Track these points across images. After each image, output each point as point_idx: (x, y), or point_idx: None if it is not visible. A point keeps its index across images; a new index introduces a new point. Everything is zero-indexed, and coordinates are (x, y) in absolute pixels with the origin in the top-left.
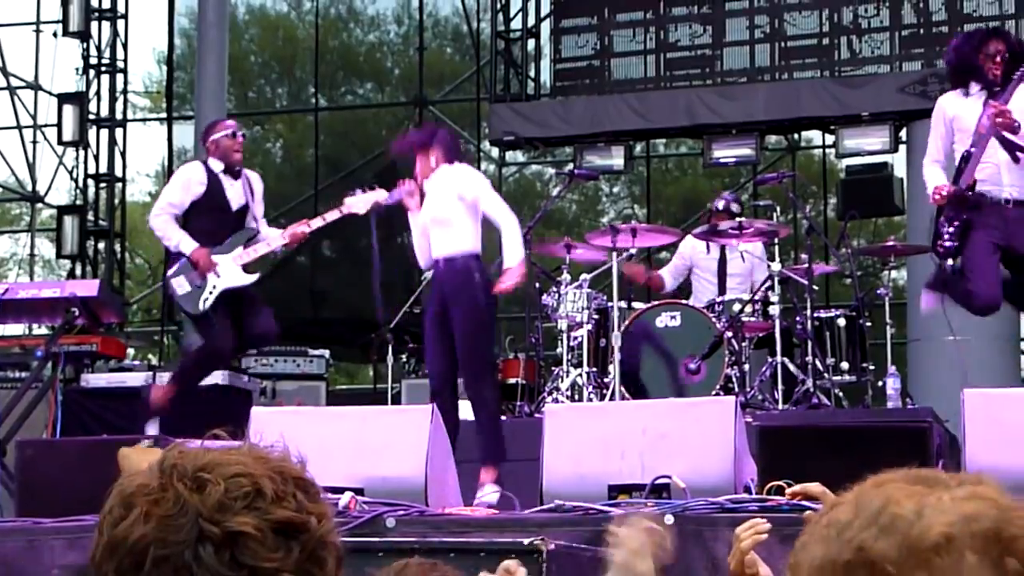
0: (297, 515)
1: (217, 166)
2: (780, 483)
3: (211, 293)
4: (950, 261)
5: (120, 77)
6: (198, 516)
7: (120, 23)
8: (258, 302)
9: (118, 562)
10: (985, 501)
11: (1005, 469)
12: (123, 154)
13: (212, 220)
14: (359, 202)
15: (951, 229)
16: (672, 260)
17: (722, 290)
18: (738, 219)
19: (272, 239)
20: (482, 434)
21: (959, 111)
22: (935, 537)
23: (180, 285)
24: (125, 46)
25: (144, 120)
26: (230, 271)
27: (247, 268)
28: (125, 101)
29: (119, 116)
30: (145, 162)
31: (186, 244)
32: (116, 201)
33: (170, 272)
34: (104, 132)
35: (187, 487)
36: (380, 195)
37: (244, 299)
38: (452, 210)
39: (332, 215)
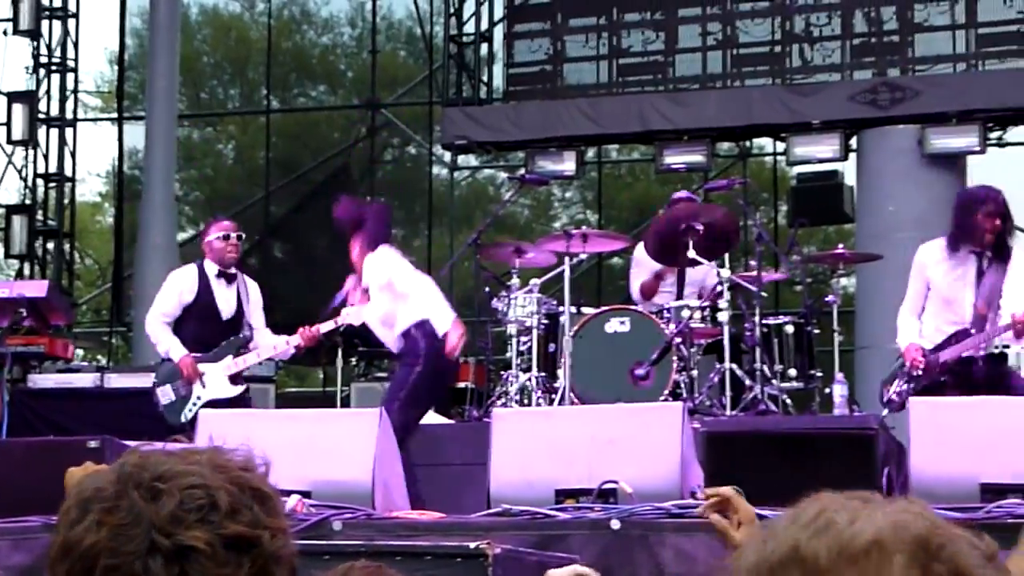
0: (250, 530)
1: (211, 269)
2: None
3: (195, 404)
4: (885, 412)
5: (71, 76)
6: (151, 527)
7: (71, 22)
8: None
9: (70, 565)
10: (915, 514)
11: (950, 476)
12: (73, 154)
13: (202, 327)
14: (356, 314)
15: (905, 387)
16: (634, 269)
17: (679, 295)
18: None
19: (264, 347)
20: None
21: (942, 270)
22: (866, 540)
23: (165, 394)
24: (76, 45)
25: (95, 120)
26: (216, 381)
27: (234, 379)
28: (76, 100)
29: (69, 116)
30: (95, 162)
31: (175, 351)
32: (66, 201)
33: (156, 379)
34: (54, 131)
35: (142, 496)
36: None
37: None
38: (382, 302)
39: (328, 326)
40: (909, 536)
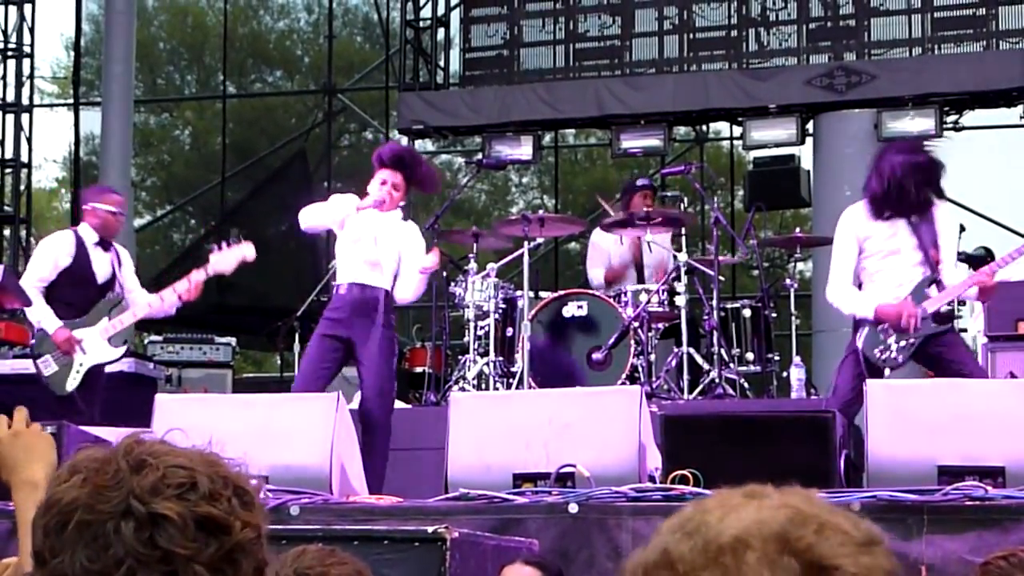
0: (223, 516)
1: (90, 236)
2: (684, 472)
3: (78, 372)
4: (888, 372)
5: (27, 62)
6: (130, 493)
7: (27, 7)
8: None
9: (47, 520)
10: (784, 509)
11: (906, 458)
12: (29, 140)
13: (76, 292)
14: (223, 259)
15: (903, 344)
16: (591, 252)
17: (641, 279)
18: (645, 209)
19: (139, 306)
20: None
21: (873, 231)
22: (727, 538)
23: (47, 364)
24: (32, 31)
25: (51, 106)
26: (96, 346)
27: (112, 340)
28: (31, 86)
29: (25, 101)
30: (51, 148)
31: (49, 322)
32: (22, 187)
33: (33, 348)
34: (10, 117)
35: (128, 465)
36: (247, 251)
37: (117, 376)
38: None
39: (198, 275)
40: (768, 531)
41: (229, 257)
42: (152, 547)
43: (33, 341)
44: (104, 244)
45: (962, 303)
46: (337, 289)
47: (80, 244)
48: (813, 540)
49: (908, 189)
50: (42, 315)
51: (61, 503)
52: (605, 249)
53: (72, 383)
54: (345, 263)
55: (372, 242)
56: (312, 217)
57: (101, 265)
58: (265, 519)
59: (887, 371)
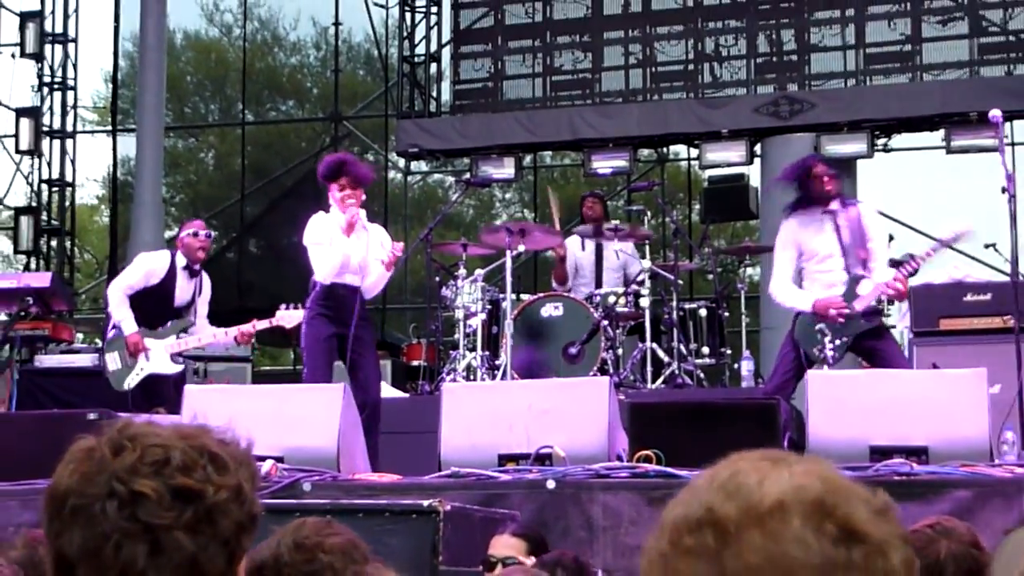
0: (196, 484)
1: (181, 261)
2: (648, 453)
3: (137, 375)
4: (825, 368)
5: (71, 94)
6: (112, 476)
7: (71, 46)
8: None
9: (48, 506)
10: (816, 476)
11: (841, 440)
12: (73, 162)
13: (154, 307)
14: (288, 317)
15: (837, 343)
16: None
17: (598, 283)
18: (614, 222)
19: (205, 335)
20: None
21: (804, 237)
22: (770, 502)
23: (112, 360)
24: (75, 66)
25: (92, 132)
26: (159, 357)
27: (174, 358)
28: (75, 115)
29: (69, 128)
30: (93, 169)
31: (127, 325)
32: (67, 203)
33: (106, 344)
34: (56, 142)
35: (110, 450)
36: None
37: (164, 389)
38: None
39: (263, 324)
40: (808, 497)
41: (291, 317)
42: (134, 521)
43: (109, 336)
44: (192, 272)
45: (891, 302)
46: (331, 289)
47: (172, 266)
48: (846, 507)
49: (812, 183)
50: (123, 316)
51: (58, 491)
52: (571, 253)
53: (130, 383)
54: (328, 280)
55: (358, 250)
56: (331, 269)
57: (184, 290)
58: (249, 479)
59: (824, 367)
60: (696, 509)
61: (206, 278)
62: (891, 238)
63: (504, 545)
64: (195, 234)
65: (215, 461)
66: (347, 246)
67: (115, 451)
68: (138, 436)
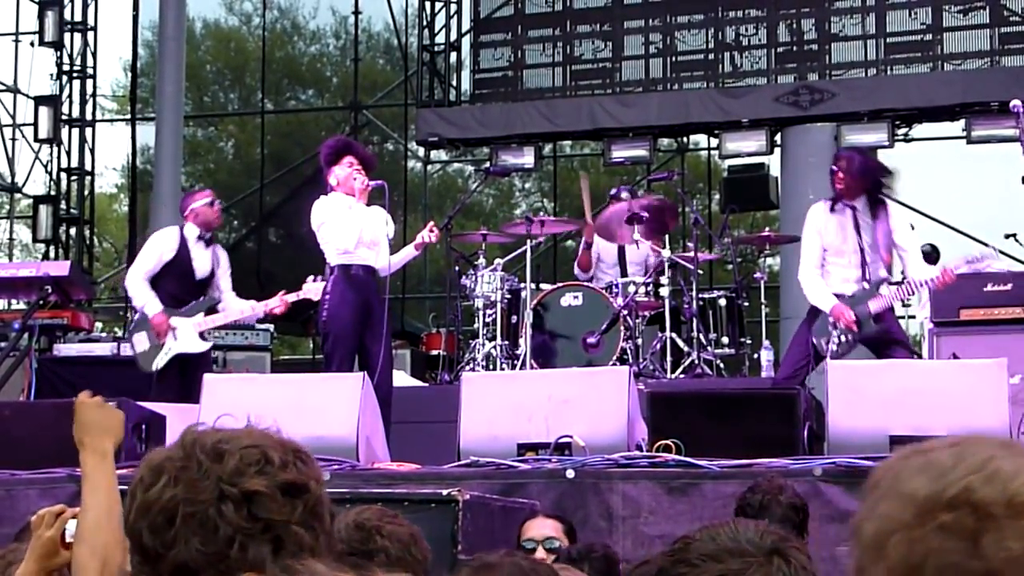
0: (299, 478)
1: (192, 232)
2: (667, 442)
3: (166, 355)
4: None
5: (90, 82)
6: (219, 480)
7: (90, 34)
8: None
9: (151, 520)
10: None
11: (862, 430)
12: (92, 151)
13: (177, 285)
14: (313, 288)
15: (844, 340)
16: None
17: (623, 273)
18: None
19: (232, 310)
20: None
21: (827, 227)
22: None
23: (140, 341)
24: (94, 55)
25: (111, 121)
26: (188, 336)
27: (203, 335)
28: (94, 103)
29: (89, 117)
30: (112, 158)
31: (151, 307)
32: (86, 192)
33: (132, 326)
34: (75, 131)
35: (208, 457)
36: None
37: (197, 367)
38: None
39: (292, 296)
40: None
41: (318, 289)
42: (254, 520)
43: (134, 320)
44: (206, 241)
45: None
46: (347, 270)
47: (183, 240)
48: None
49: (862, 184)
50: (145, 299)
51: (160, 503)
52: (597, 240)
53: (158, 364)
54: (351, 247)
55: (371, 228)
56: (352, 236)
57: (201, 261)
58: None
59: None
60: (952, 489)
61: (221, 249)
62: (911, 228)
63: (542, 526)
64: (211, 203)
65: (300, 456)
66: (360, 217)
67: (215, 457)
68: (231, 439)
